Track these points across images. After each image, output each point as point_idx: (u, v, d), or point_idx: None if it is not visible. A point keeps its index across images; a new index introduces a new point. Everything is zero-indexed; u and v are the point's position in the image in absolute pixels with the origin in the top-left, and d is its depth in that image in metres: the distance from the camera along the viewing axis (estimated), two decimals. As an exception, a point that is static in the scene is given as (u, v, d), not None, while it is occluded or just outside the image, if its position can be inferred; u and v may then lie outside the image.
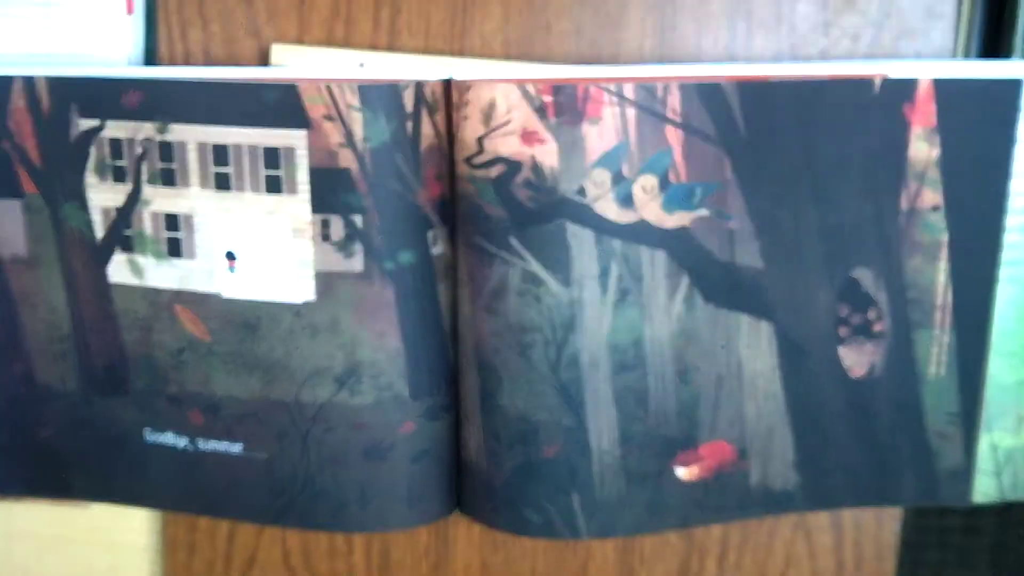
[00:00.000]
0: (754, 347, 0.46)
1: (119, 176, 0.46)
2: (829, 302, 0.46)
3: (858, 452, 0.48)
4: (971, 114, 0.44)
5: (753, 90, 0.43)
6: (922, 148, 0.44)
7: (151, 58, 0.49)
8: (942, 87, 0.43)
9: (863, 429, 0.48)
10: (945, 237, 0.45)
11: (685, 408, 0.47)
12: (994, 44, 0.49)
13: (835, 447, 0.48)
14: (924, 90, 0.44)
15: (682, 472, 0.48)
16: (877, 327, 0.46)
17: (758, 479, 0.49)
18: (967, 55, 0.49)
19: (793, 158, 0.44)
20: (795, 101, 0.43)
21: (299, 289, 0.46)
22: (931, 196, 0.45)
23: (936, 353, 0.47)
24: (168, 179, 0.45)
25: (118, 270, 0.47)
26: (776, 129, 0.43)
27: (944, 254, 0.46)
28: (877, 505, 0.50)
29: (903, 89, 0.43)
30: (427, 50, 0.48)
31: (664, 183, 0.44)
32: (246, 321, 0.47)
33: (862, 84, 0.43)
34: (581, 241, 0.44)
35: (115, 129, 0.45)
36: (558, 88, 0.42)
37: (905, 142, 0.44)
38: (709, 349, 0.46)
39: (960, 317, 0.47)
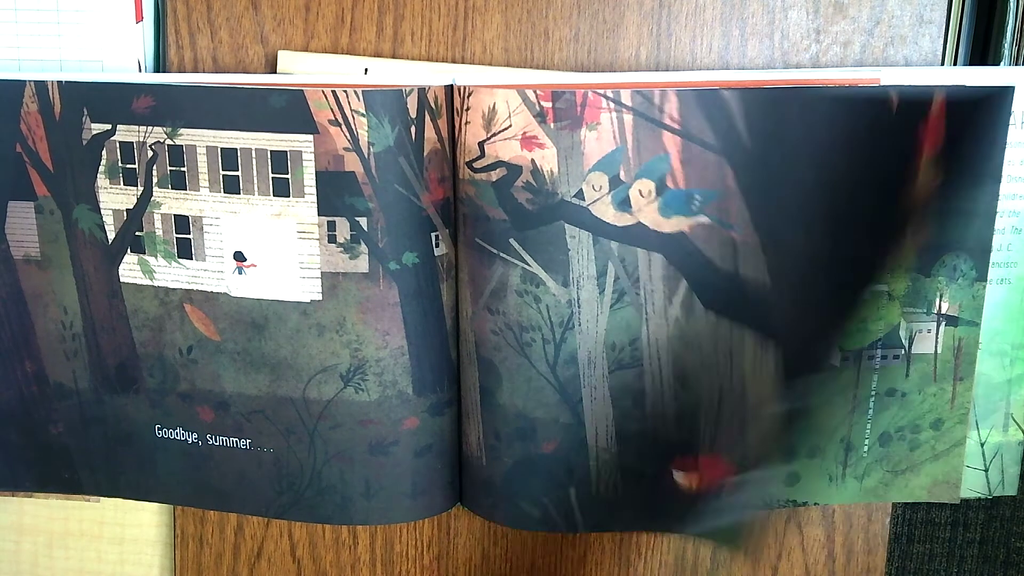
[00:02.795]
0: (759, 369, 0.46)
1: (130, 179, 0.46)
2: (839, 326, 0.45)
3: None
4: (968, 122, 0.43)
5: (758, 100, 0.42)
6: (931, 169, 0.43)
7: (160, 66, 0.49)
8: (952, 104, 0.42)
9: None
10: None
11: (684, 414, 0.47)
12: (983, 50, 0.49)
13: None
14: (937, 109, 0.42)
15: (680, 477, 0.48)
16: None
17: (755, 491, 0.47)
18: (956, 62, 0.49)
19: (802, 172, 0.43)
20: (805, 114, 0.42)
21: (306, 289, 0.46)
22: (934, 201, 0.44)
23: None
24: (178, 182, 0.46)
25: (129, 271, 0.48)
26: (783, 141, 0.43)
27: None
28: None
29: (918, 109, 0.42)
30: (430, 57, 0.48)
31: (661, 188, 0.44)
32: (254, 320, 0.47)
33: (878, 102, 0.42)
34: (579, 243, 0.44)
35: (126, 133, 0.46)
36: (558, 94, 0.42)
37: (917, 161, 0.43)
38: (710, 359, 0.46)
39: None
